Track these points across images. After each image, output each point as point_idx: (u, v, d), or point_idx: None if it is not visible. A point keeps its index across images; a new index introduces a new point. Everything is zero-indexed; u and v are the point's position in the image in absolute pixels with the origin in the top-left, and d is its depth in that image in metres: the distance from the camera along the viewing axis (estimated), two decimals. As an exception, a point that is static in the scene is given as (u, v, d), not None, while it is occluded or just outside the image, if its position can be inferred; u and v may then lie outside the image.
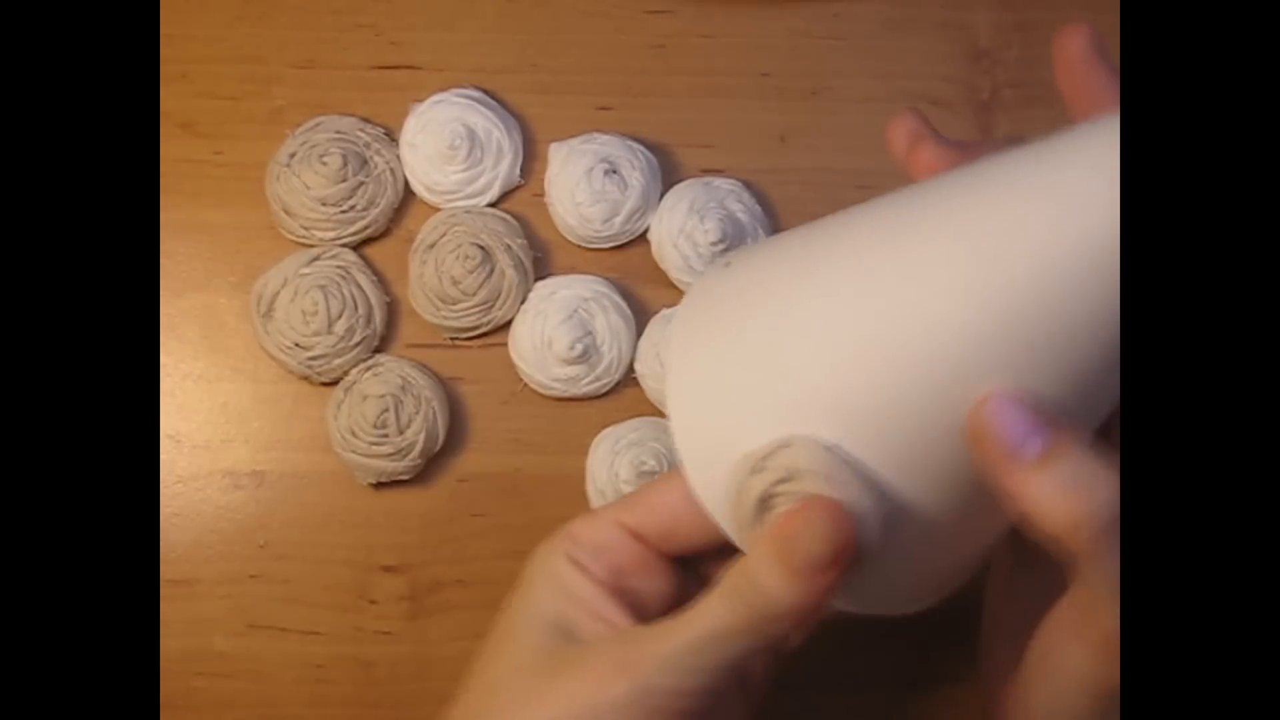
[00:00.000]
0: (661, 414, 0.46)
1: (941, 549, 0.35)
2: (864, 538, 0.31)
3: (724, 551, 0.34)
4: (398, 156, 0.46)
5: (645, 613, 0.35)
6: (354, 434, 0.44)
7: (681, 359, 0.35)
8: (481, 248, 0.45)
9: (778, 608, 0.30)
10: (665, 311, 0.46)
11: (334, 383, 0.45)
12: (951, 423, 0.30)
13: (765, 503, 0.31)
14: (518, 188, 0.47)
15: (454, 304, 0.45)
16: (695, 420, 0.34)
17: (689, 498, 0.33)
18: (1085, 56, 0.34)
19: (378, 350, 0.46)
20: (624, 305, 0.45)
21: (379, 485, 0.45)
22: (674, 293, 0.46)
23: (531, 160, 0.47)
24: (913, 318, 0.30)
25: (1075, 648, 0.31)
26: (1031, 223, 0.29)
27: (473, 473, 0.46)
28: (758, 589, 0.30)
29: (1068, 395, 0.30)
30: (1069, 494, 0.28)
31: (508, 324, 0.46)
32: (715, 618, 0.31)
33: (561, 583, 0.34)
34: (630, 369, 0.46)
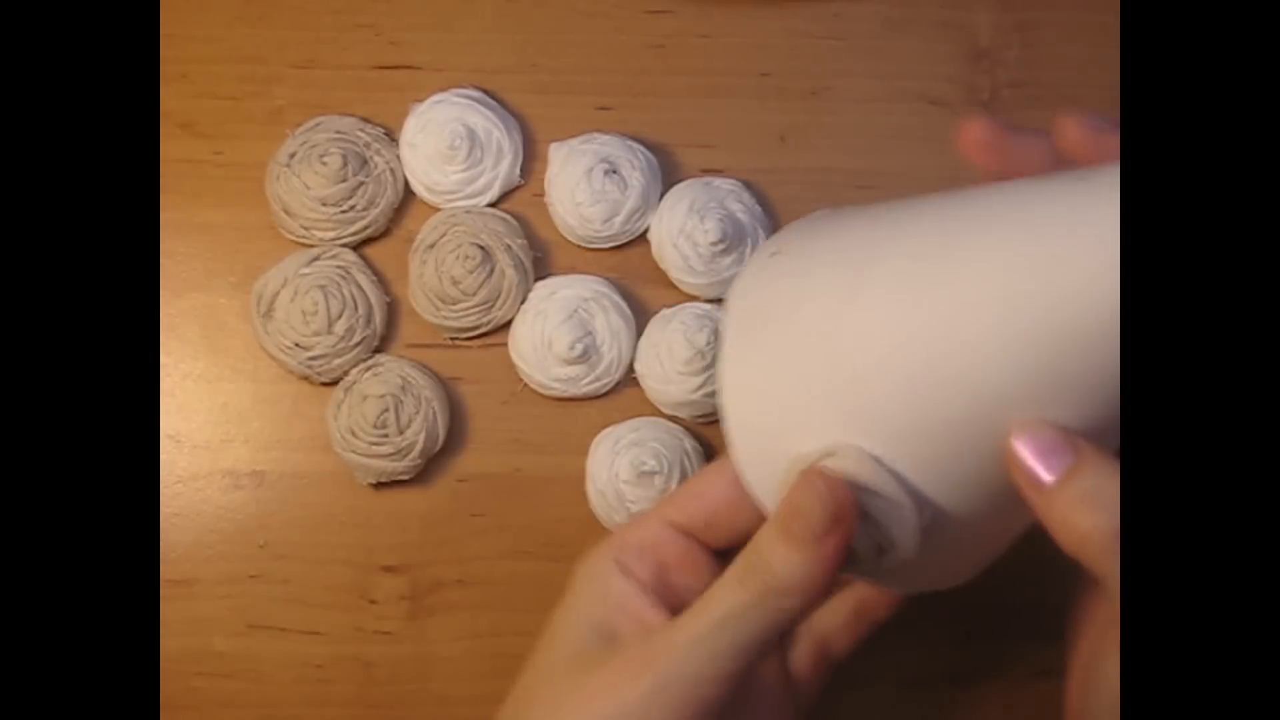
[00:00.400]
0: (661, 414, 0.46)
1: (979, 543, 0.37)
2: (904, 542, 0.33)
3: None
4: (398, 156, 0.46)
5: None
6: (354, 434, 0.44)
7: (735, 357, 0.36)
8: (481, 248, 0.45)
9: (786, 581, 0.32)
10: (665, 311, 0.46)
11: (334, 383, 0.45)
12: (987, 443, 0.32)
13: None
14: (518, 188, 0.47)
15: (454, 304, 0.45)
16: (749, 419, 0.35)
17: (731, 487, 0.35)
18: (1086, 136, 0.34)
19: (378, 350, 0.46)
20: (624, 305, 0.45)
21: (379, 485, 0.45)
22: (674, 293, 0.46)
23: (531, 160, 0.47)
24: (954, 349, 0.32)
25: (1111, 660, 0.32)
26: (1061, 267, 0.30)
27: (473, 473, 0.46)
28: (765, 565, 0.32)
29: (1095, 419, 0.32)
30: (1082, 509, 0.30)
31: (508, 324, 0.46)
32: (728, 601, 0.32)
33: (605, 587, 0.35)
34: (630, 369, 0.46)
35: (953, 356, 0.32)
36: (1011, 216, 0.32)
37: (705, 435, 0.46)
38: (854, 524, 0.31)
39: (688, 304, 0.46)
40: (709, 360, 0.44)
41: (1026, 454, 0.30)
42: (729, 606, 0.32)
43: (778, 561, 0.31)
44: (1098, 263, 0.29)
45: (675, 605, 0.35)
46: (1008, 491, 0.32)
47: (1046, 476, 0.30)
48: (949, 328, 0.32)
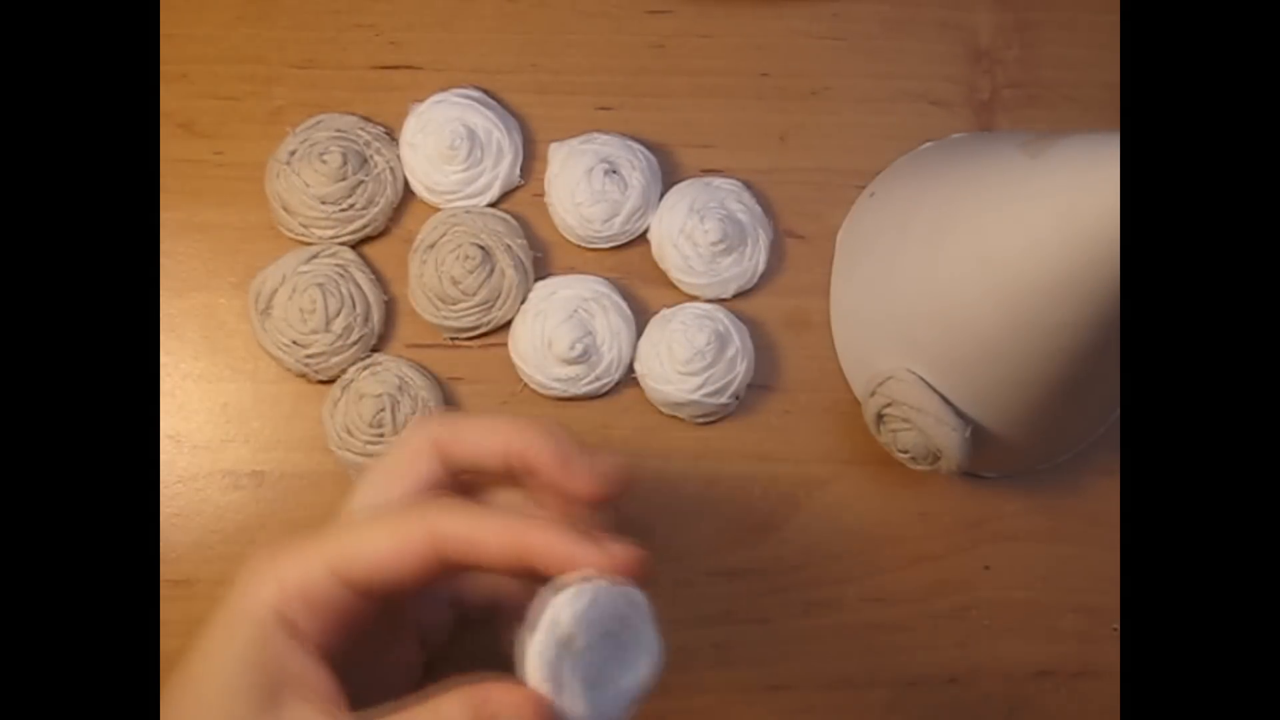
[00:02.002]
0: (661, 413, 0.46)
1: (1036, 442, 0.44)
2: (950, 452, 0.41)
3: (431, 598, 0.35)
4: (398, 156, 0.46)
5: (361, 669, 0.34)
6: (350, 433, 0.44)
7: (836, 286, 0.46)
8: (481, 248, 0.45)
9: None
10: (665, 311, 0.46)
11: (331, 381, 0.45)
12: (1002, 373, 0.40)
13: (880, 416, 0.43)
14: (518, 188, 0.47)
15: (454, 304, 0.45)
16: (844, 338, 0.46)
17: (397, 545, 0.32)
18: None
19: (375, 349, 0.46)
20: (624, 305, 0.45)
21: (378, 485, 0.45)
22: (674, 293, 0.46)
23: (531, 160, 0.47)
24: (957, 300, 0.39)
25: None
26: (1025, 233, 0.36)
27: (473, 473, 0.46)
28: None
29: (1070, 366, 0.38)
30: None
31: (508, 324, 0.46)
32: None
33: (271, 651, 0.31)
34: (630, 369, 0.46)
35: (957, 306, 0.39)
36: (996, 189, 0.37)
37: (703, 434, 0.46)
38: None
39: (688, 304, 0.46)
40: (709, 360, 0.44)
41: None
42: None
43: None
44: (1058, 233, 0.34)
45: (349, 663, 0.33)
46: (1042, 407, 0.40)
47: None
48: (951, 281, 0.39)
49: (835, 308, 0.46)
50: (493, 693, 0.30)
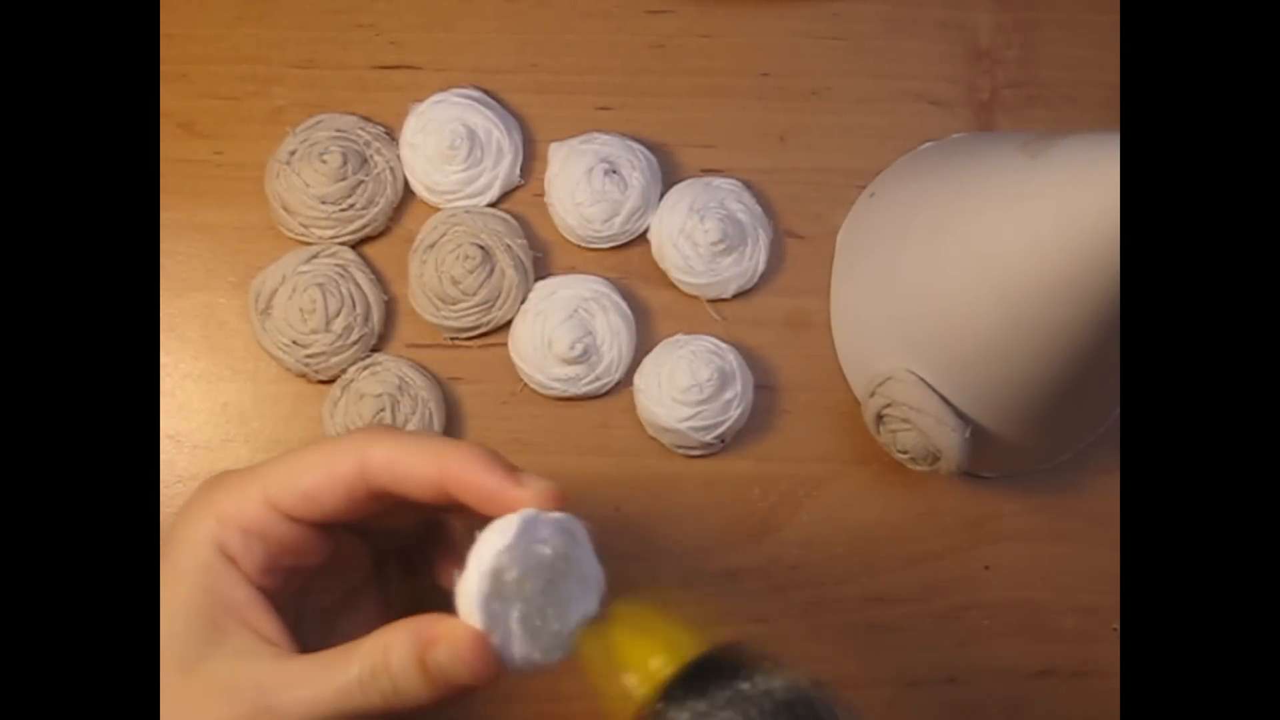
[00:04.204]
0: (646, 433, 0.46)
1: (1036, 443, 0.44)
2: (950, 453, 0.41)
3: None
4: (398, 155, 0.46)
5: (297, 595, 0.35)
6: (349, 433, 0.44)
7: (837, 285, 0.46)
8: (481, 248, 0.45)
9: (409, 703, 0.31)
10: (681, 337, 0.45)
11: (331, 381, 0.45)
12: (1001, 373, 0.39)
13: (879, 417, 0.43)
14: (518, 188, 0.47)
15: (454, 304, 0.45)
16: (844, 337, 0.46)
17: (326, 471, 0.33)
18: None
19: (375, 349, 0.46)
20: (624, 305, 0.45)
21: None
22: (674, 292, 0.46)
23: (531, 160, 0.47)
24: (957, 300, 0.39)
25: None
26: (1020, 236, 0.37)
27: (473, 473, 0.46)
28: (395, 687, 0.31)
29: (1067, 365, 0.38)
30: None
31: (508, 324, 0.46)
32: (348, 692, 0.31)
33: (211, 579, 0.32)
34: (630, 369, 0.45)
35: (957, 306, 0.39)
36: (996, 189, 0.38)
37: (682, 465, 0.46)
38: (491, 677, 0.31)
39: (704, 336, 0.45)
40: (705, 395, 0.44)
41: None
42: (347, 699, 0.31)
43: (409, 689, 0.31)
44: (1057, 235, 0.35)
45: (287, 591, 0.34)
46: (1042, 407, 0.40)
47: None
48: (951, 282, 0.39)
49: (835, 308, 0.46)
50: (436, 626, 0.31)
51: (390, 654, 0.31)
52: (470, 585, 0.30)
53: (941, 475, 0.44)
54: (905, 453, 0.43)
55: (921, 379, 0.41)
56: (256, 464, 0.34)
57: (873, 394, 0.43)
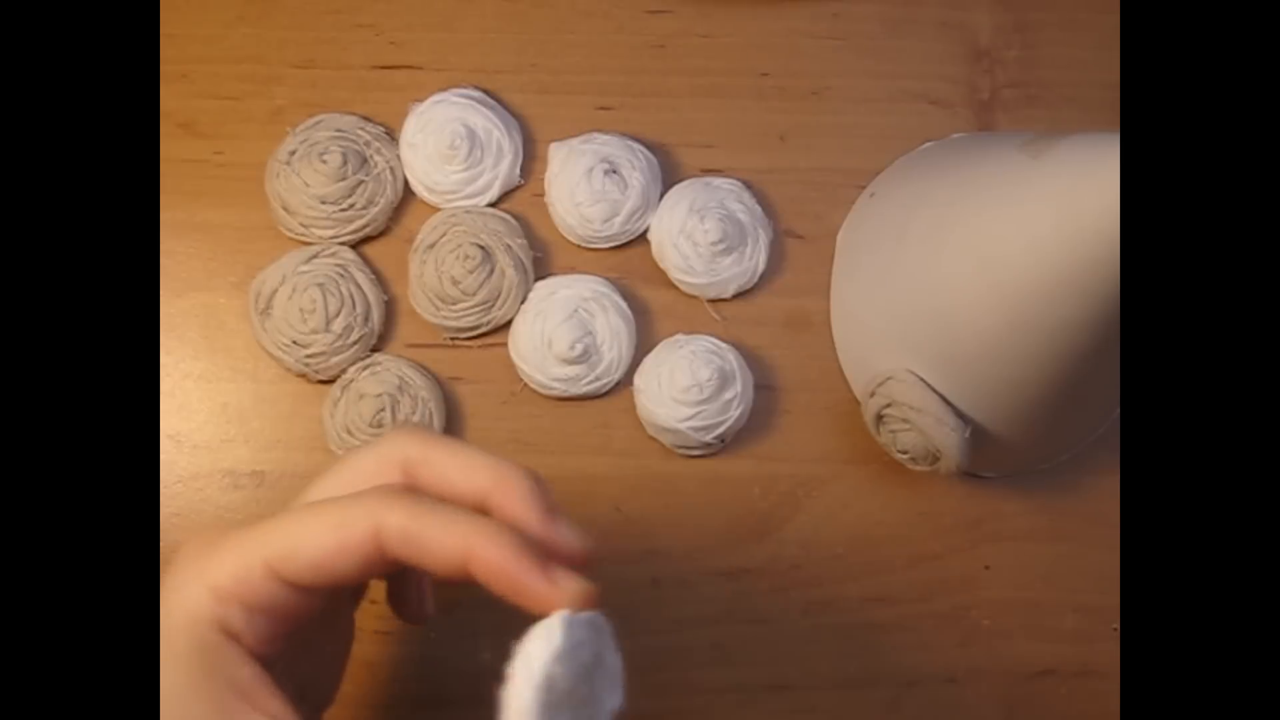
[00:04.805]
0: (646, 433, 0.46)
1: (1034, 443, 0.44)
2: (949, 452, 0.41)
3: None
4: (398, 155, 0.46)
5: (307, 665, 0.33)
6: (349, 433, 0.44)
7: (837, 285, 0.47)
8: (481, 248, 0.45)
9: None
10: (681, 337, 0.45)
11: (331, 381, 0.45)
12: (1000, 372, 0.39)
13: (879, 417, 0.43)
14: (518, 188, 0.47)
15: (454, 304, 0.45)
16: (845, 337, 0.46)
17: (337, 539, 0.30)
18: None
19: (375, 349, 0.46)
20: (624, 305, 0.45)
21: (379, 485, 0.45)
22: (674, 292, 0.46)
23: (531, 160, 0.47)
24: (956, 300, 0.39)
25: None
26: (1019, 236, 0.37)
27: (473, 473, 0.46)
28: None
29: (1069, 364, 0.38)
30: None
31: (508, 324, 0.46)
32: None
33: (214, 661, 0.30)
34: (630, 369, 0.45)
35: (957, 306, 0.39)
36: (996, 189, 0.38)
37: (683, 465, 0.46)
38: None
39: (704, 336, 0.45)
40: (705, 395, 0.44)
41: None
42: None
43: None
44: (1057, 233, 0.35)
45: (296, 662, 0.32)
46: (1042, 407, 0.40)
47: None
48: (951, 282, 0.39)
49: (835, 307, 0.47)
50: None
51: None
52: (525, 698, 0.28)
53: (941, 475, 0.44)
54: (905, 452, 0.43)
55: (921, 379, 0.41)
56: (254, 526, 0.31)
57: (873, 394, 0.43)
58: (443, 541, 0.30)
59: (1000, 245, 0.37)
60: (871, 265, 0.44)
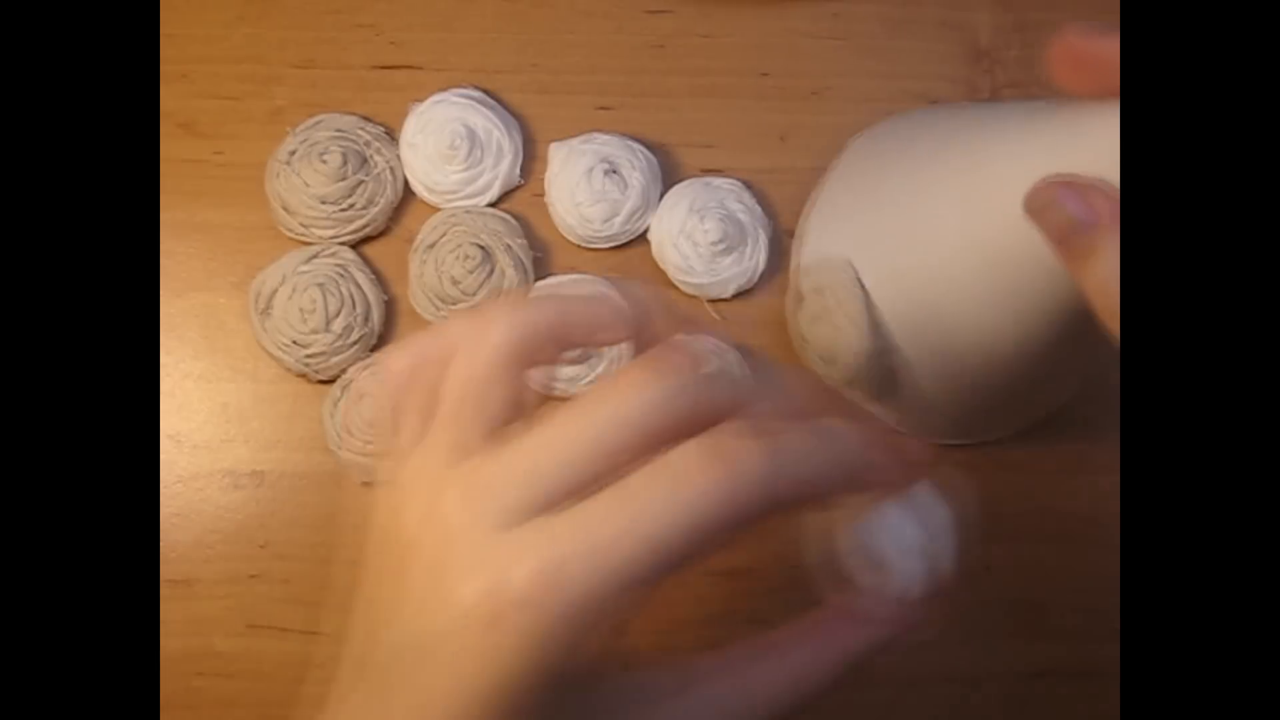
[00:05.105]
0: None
1: (972, 405, 0.43)
2: (845, 357, 0.39)
3: None
4: (398, 155, 0.46)
5: None
6: (350, 432, 0.44)
7: (822, 201, 0.46)
8: (481, 248, 0.45)
9: None
10: (680, 337, 0.45)
11: (331, 381, 0.45)
12: (963, 334, 0.38)
13: (800, 296, 0.42)
14: (518, 188, 0.47)
15: (454, 304, 0.45)
16: (815, 245, 0.44)
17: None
18: (1084, 42, 0.33)
19: (375, 349, 0.46)
20: (624, 305, 0.45)
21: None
22: (674, 292, 0.46)
23: (531, 160, 0.47)
24: (924, 240, 0.38)
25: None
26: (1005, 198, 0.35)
27: (473, 473, 0.46)
28: None
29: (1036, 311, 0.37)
30: (1112, 286, 0.30)
31: (508, 324, 0.46)
32: None
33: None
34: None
35: (937, 258, 0.38)
36: (987, 147, 0.37)
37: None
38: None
39: (708, 338, 0.45)
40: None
41: (1058, 201, 0.31)
42: None
43: None
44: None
45: None
46: (998, 374, 0.39)
47: (1078, 232, 0.30)
48: (932, 232, 0.38)
49: (815, 223, 0.45)
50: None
51: None
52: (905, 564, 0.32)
53: (839, 385, 0.42)
54: (809, 343, 0.41)
55: (859, 281, 0.40)
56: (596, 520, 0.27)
57: (808, 273, 0.41)
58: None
59: (990, 202, 0.36)
60: (860, 212, 0.43)
